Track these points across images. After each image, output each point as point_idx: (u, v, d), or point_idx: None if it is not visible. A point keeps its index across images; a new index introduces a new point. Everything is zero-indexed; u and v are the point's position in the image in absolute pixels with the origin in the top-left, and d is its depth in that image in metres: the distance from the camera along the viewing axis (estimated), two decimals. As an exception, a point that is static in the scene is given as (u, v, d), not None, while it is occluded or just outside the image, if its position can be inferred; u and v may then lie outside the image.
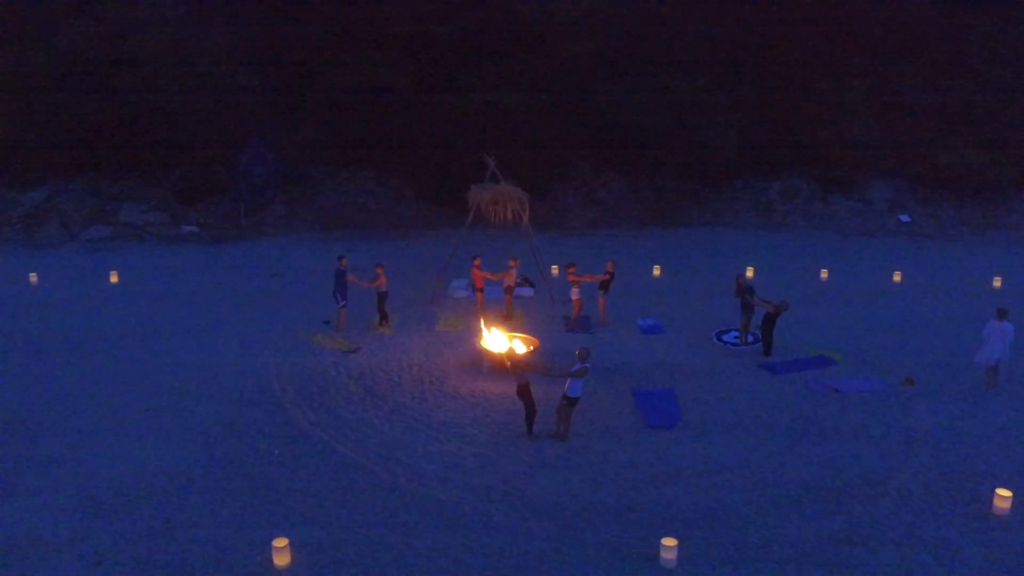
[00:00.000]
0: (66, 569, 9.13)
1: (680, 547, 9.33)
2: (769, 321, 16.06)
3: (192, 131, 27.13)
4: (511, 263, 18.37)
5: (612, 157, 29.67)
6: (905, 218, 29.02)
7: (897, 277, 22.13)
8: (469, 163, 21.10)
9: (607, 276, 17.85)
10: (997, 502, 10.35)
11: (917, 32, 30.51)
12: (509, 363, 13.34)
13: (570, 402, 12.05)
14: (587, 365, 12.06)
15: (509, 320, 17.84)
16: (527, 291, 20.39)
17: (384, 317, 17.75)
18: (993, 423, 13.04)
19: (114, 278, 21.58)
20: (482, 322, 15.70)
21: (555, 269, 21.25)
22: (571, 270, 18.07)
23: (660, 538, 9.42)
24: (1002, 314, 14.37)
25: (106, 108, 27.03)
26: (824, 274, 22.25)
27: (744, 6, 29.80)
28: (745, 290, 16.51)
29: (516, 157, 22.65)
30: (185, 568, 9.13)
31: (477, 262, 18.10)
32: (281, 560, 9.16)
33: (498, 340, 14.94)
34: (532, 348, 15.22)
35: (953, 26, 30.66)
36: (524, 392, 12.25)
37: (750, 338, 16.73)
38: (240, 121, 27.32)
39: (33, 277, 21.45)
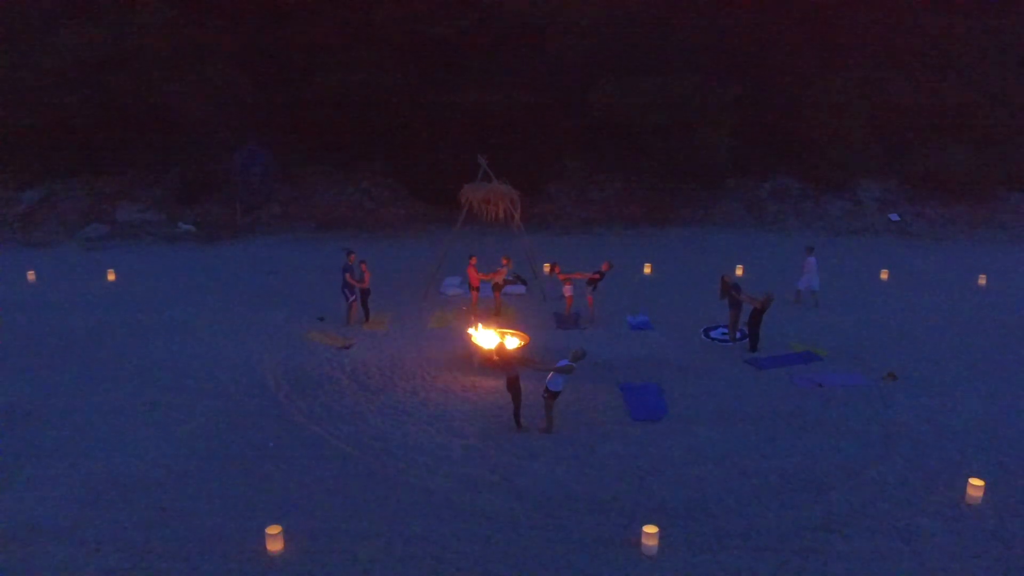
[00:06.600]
0: (65, 556, 9.39)
1: (661, 535, 9.62)
2: (756, 317, 16.38)
3: (189, 130, 27.36)
4: (503, 261, 18.76)
5: (605, 156, 29.98)
6: (895, 217, 29.36)
7: (884, 275, 22.46)
8: (463, 162, 21.39)
9: (597, 275, 18.14)
10: (970, 491, 10.66)
11: (907, 33, 30.83)
12: (497, 357, 13.64)
13: (551, 395, 12.35)
14: (575, 365, 12.37)
15: (498, 317, 18.15)
16: (519, 289, 20.68)
17: (368, 314, 18.07)
18: (970, 416, 13.36)
19: (111, 276, 21.85)
20: (473, 319, 16.00)
21: (547, 268, 21.54)
22: (556, 268, 18.52)
23: (642, 526, 9.72)
24: (810, 250, 19.45)
25: (103, 108, 27.25)
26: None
27: (736, 7, 30.05)
28: (732, 288, 16.82)
29: (509, 156, 22.91)
30: (181, 554, 9.41)
31: (473, 261, 18.43)
32: (274, 547, 9.44)
33: (488, 336, 15.24)
34: (522, 344, 15.52)
35: (943, 27, 30.98)
36: (513, 385, 12.55)
37: (738, 334, 17.03)
38: (236, 121, 27.56)
39: (31, 275, 21.71)
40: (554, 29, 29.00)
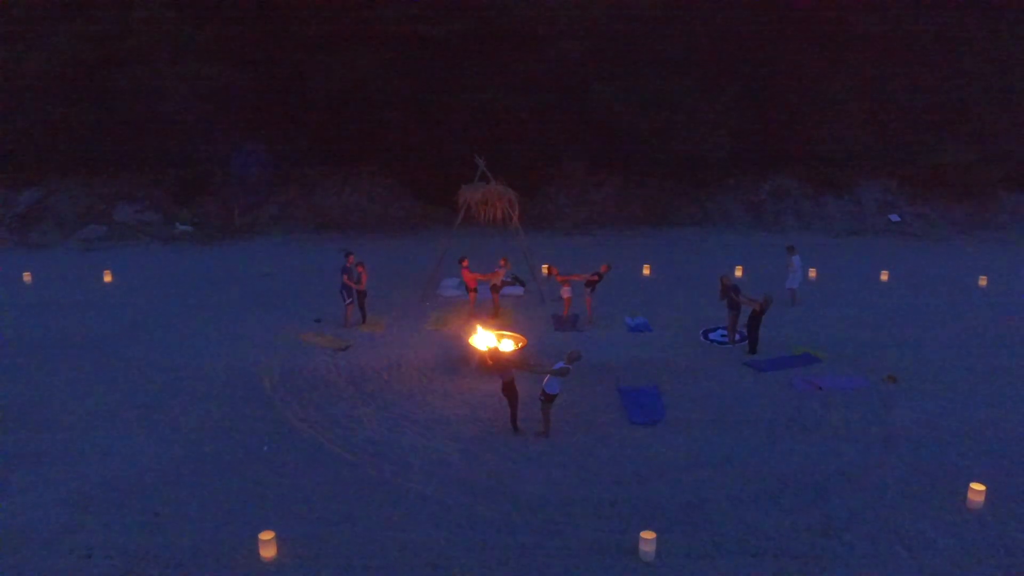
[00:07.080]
0: (57, 562, 9.30)
1: (659, 540, 9.51)
2: (755, 319, 16.27)
3: (186, 131, 27.29)
4: (502, 262, 18.69)
5: (603, 157, 29.87)
6: (895, 218, 29.27)
7: (884, 276, 22.35)
8: (461, 163, 21.30)
9: (595, 276, 18.04)
10: (971, 496, 10.55)
11: (907, 34, 30.71)
12: (491, 361, 13.54)
13: (548, 398, 12.25)
14: (570, 367, 12.27)
15: (496, 318, 18.05)
16: (517, 290, 20.59)
17: (364, 315, 17.98)
18: (971, 419, 13.24)
19: (108, 277, 21.75)
20: (472, 321, 15.90)
21: (545, 269, 21.46)
22: (554, 271, 18.44)
23: (640, 532, 9.61)
24: (792, 250, 19.68)
25: (100, 108, 27.18)
26: (813, 273, 22.44)
27: (735, 7, 29.94)
28: (730, 289, 16.71)
29: (508, 157, 22.81)
30: (173, 560, 9.31)
31: (465, 263, 18.33)
32: (267, 553, 9.34)
33: (485, 338, 15.13)
34: (519, 346, 15.42)
35: (943, 28, 30.85)
36: (509, 389, 12.44)
37: (737, 336, 16.93)
38: (234, 121, 27.47)
39: (27, 277, 21.61)
40: (553, 29, 28.86)
